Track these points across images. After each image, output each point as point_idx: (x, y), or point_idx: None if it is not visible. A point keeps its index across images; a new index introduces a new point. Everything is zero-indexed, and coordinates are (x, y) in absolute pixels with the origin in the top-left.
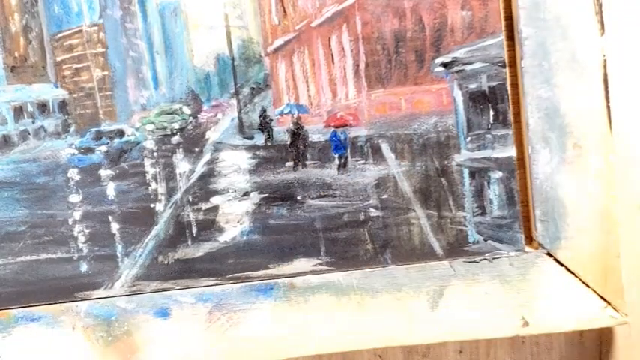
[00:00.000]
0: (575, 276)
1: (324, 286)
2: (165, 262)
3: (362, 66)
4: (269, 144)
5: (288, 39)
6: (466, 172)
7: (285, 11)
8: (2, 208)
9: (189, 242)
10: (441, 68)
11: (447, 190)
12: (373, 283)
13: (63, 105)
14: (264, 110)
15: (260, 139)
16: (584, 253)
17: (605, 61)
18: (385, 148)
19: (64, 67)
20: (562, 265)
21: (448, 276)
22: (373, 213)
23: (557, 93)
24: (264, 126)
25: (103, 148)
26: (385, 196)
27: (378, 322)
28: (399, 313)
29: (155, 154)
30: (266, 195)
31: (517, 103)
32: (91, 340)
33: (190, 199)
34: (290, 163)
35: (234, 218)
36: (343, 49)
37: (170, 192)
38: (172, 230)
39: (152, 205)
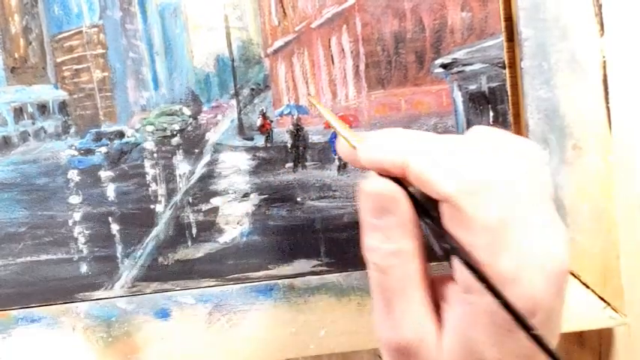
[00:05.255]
0: (575, 276)
1: (324, 287)
2: (166, 263)
3: (362, 67)
4: (269, 145)
5: (288, 40)
6: None
7: (285, 12)
8: (2, 209)
9: (189, 243)
10: (441, 69)
11: None
12: None
13: (63, 106)
14: (263, 112)
15: (260, 140)
16: (584, 253)
17: (604, 61)
18: None
19: (64, 68)
20: None
21: None
22: None
23: (557, 94)
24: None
25: (103, 149)
26: None
27: None
28: None
29: (155, 155)
30: (266, 196)
31: (517, 104)
32: (91, 341)
33: (190, 200)
34: (290, 164)
35: (234, 219)
36: (343, 50)
37: (170, 193)
38: (172, 231)
39: (152, 206)
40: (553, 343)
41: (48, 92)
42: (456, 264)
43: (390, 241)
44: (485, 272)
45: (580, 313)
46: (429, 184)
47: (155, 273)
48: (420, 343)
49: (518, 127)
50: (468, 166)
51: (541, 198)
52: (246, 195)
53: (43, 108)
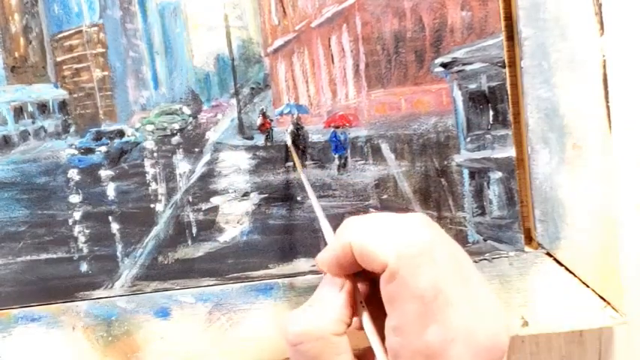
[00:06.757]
0: (575, 276)
1: None
2: (165, 262)
3: (362, 66)
4: (269, 144)
5: (288, 39)
6: (466, 172)
7: (285, 11)
8: (2, 208)
9: (189, 242)
10: (441, 68)
11: (446, 190)
12: None
13: (63, 105)
14: (263, 111)
15: (260, 140)
16: (584, 253)
17: (604, 61)
18: (385, 148)
19: (64, 67)
20: (562, 265)
21: None
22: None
23: (557, 93)
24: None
25: (103, 149)
26: (385, 196)
27: None
28: None
29: (155, 154)
30: (266, 195)
31: (517, 104)
32: (90, 340)
33: (190, 200)
34: (290, 164)
35: (234, 218)
36: (343, 49)
37: (170, 192)
38: (172, 230)
39: (152, 206)
40: None
41: (48, 91)
42: (387, 334)
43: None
44: (411, 343)
45: (580, 313)
46: (369, 256)
47: (155, 272)
48: None
49: (518, 126)
50: (406, 236)
51: (470, 273)
52: (246, 194)
53: (43, 107)
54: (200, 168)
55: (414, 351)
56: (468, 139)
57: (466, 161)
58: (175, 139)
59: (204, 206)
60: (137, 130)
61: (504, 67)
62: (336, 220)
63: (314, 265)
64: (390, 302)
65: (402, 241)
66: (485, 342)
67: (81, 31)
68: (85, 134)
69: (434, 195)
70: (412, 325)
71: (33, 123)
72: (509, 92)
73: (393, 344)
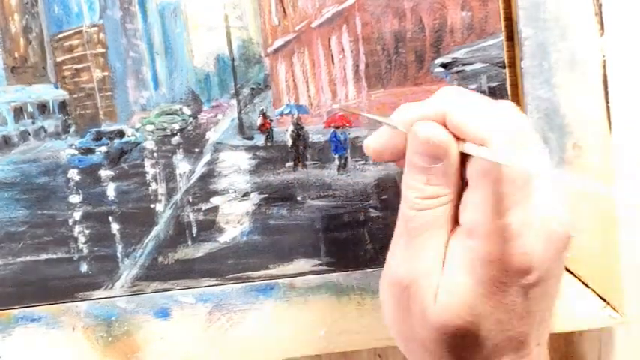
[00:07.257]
0: (575, 276)
1: (324, 286)
2: (166, 263)
3: (362, 66)
4: (269, 144)
5: (288, 39)
6: None
7: (285, 12)
8: (2, 208)
9: (190, 242)
10: (441, 69)
11: None
12: (373, 283)
13: (63, 105)
14: (263, 111)
15: (260, 140)
16: (584, 253)
17: (604, 61)
18: None
19: (64, 67)
20: None
21: None
22: (373, 213)
23: (557, 93)
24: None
25: (103, 149)
26: (385, 196)
27: (378, 322)
28: None
29: (155, 154)
30: (266, 195)
31: (517, 104)
32: (91, 341)
33: (190, 200)
34: (290, 164)
35: (234, 219)
36: (343, 49)
37: (170, 192)
38: (172, 231)
39: (152, 206)
40: (548, 307)
41: (48, 92)
42: (464, 208)
43: (431, 185)
44: (492, 222)
45: (580, 313)
46: (467, 128)
47: (155, 272)
48: (425, 280)
49: None
50: (507, 117)
51: None
52: (246, 194)
53: (43, 107)
54: (200, 168)
55: (493, 229)
56: None
57: None
58: (175, 140)
59: (204, 206)
60: (137, 130)
61: (504, 67)
62: (335, 221)
63: (314, 265)
64: (479, 177)
65: (504, 123)
66: (557, 229)
67: (81, 32)
68: (85, 134)
69: None
70: (496, 204)
71: (33, 123)
72: (509, 92)
73: (468, 220)
